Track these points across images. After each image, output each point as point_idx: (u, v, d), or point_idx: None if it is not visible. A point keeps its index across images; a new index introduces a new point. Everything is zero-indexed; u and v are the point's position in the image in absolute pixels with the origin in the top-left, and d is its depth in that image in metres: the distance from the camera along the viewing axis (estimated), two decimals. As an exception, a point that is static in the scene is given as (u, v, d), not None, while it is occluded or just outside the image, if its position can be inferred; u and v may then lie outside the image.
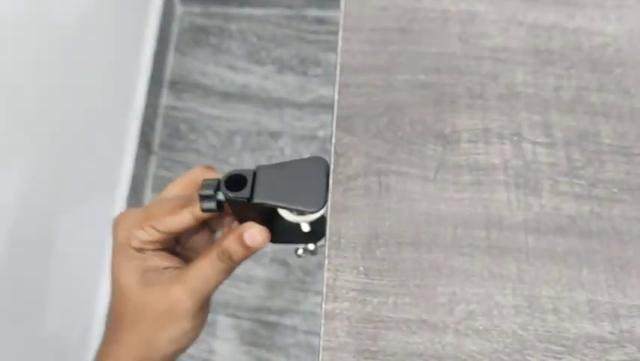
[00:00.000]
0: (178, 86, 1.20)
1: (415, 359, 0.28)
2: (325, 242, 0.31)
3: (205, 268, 0.34)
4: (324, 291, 0.30)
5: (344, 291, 0.30)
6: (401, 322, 0.29)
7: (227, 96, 1.18)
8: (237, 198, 0.32)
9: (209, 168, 0.37)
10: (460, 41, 0.36)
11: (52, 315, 0.82)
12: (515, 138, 0.33)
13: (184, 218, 0.34)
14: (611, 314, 0.29)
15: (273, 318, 1.03)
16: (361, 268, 0.30)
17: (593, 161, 0.33)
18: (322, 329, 0.29)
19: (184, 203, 0.34)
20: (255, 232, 0.33)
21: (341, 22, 0.37)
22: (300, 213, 0.32)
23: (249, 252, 0.34)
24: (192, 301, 0.33)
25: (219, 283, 0.35)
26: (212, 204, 0.33)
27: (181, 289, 0.33)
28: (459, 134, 0.33)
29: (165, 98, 1.19)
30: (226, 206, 0.33)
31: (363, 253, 0.30)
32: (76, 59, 0.87)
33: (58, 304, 0.83)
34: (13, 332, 0.73)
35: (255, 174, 0.32)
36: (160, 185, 1.13)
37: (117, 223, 0.35)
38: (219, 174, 0.36)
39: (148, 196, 1.12)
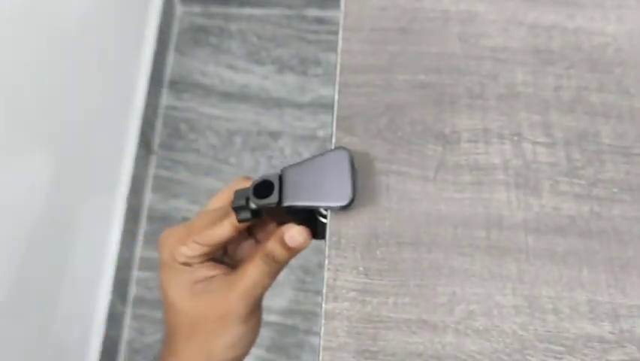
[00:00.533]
0: (178, 85, 1.20)
1: (414, 359, 0.28)
2: (325, 242, 0.31)
3: (251, 272, 0.34)
4: (325, 291, 0.30)
5: (344, 291, 0.30)
6: (401, 322, 0.29)
7: (227, 96, 1.18)
8: (267, 205, 0.32)
9: (247, 178, 0.37)
10: (460, 41, 0.36)
11: (53, 315, 0.82)
12: (515, 137, 0.33)
13: (224, 229, 0.34)
14: (611, 314, 0.29)
15: (273, 318, 1.03)
16: (361, 268, 0.30)
17: (593, 161, 0.33)
18: (322, 328, 0.29)
19: (222, 214, 0.34)
20: (294, 233, 0.33)
21: (341, 22, 0.37)
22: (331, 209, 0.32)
23: (292, 252, 0.34)
24: (242, 304, 0.34)
25: (267, 285, 0.35)
26: (247, 214, 0.33)
27: (230, 294, 0.34)
28: (459, 134, 0.33)
29: (165, 98, 1.19)
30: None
31: (363, 253, 0.30)
32: (77, 59, 0.87)
33: (58, 303, 0.83)
34: (14, 332, 0.73)
35: (280, 177, 0.32)
36: (160, 185, 1.13)
37: (161, 243, 0.36)
38: None
39: (148, 196, 1.12)
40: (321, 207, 0.31)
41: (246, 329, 0.35)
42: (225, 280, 0.35)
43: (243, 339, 0.35)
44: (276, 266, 0.34)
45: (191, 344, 0.35)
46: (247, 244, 0.38)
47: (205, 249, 0.35)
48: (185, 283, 0.35)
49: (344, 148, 0.32)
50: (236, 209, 0.33)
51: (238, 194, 0.33)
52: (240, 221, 0.33)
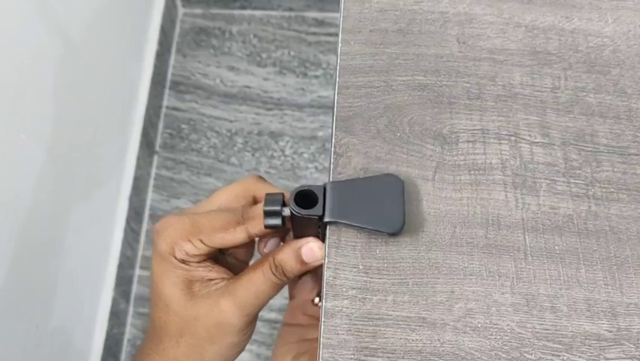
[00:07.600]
0: (180, 87, 1.20)
1: (414, 357, 0.28)
2: (326, 240, 0.31)
3: (257, 282, 0.32)
4: (324, 289, 0.30)
5: (344, 289, 0.30)
6: (400, 320, 0.29)
7: (228, 97, 1.18)
8: (309, 216, 0.30)
9: (260, 178, 0.35)
10: (458, 43, 0.36)
11: (56, 311, 0.83)
12: (513, 138, 0.34)
13: (237, 236, 0.32)
14: (608, 312, 0.29)
15: (272, 316, 1.03)
16: (361, 267, 0.30)
17: (590, 161, 0.33)
18: (322, 326, 0.29)
19: (238, 220, 0.32)
20: (314, 247, 0.32)
21: (340, 24, 0.37)
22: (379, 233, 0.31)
23: (304, 268, 0.32)
24: (242, 315, 0.32)
25: (270, 298, 0.33)
26: (277, 221, 0.31)
27: (231, 304, 0.32)
28: (457, 134, 0.34)
29: (167, 99, 1.19)
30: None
31: (363, 251, 0.31)
32: (80, 60, 0.87)
33: (62, 300, 0.84)
34: (17, 328, 0.74)
35: (324, 189, 0.30)
36: (162, 185, 1.13)
37: (159, 232, 0.33)
38: (271, 185, 0.35)
39: (149, 196, 1.13)
40: (369, 230, 0.30)
41: (240, 338, 0.33)
42: (227, 285, 0.33)
43: (236, 347, 0.34)
44: (284, 280, 0.33)
45: (180, 346, 0.33)
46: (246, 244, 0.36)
47: (210, 250, 0.33)
48: (181, 280, 0.33)
49: (397, 176, 0.31)
50: (267, 213, 0.31)
51: (271, 198, 0.31)
52: (266, 227, 0.31)
